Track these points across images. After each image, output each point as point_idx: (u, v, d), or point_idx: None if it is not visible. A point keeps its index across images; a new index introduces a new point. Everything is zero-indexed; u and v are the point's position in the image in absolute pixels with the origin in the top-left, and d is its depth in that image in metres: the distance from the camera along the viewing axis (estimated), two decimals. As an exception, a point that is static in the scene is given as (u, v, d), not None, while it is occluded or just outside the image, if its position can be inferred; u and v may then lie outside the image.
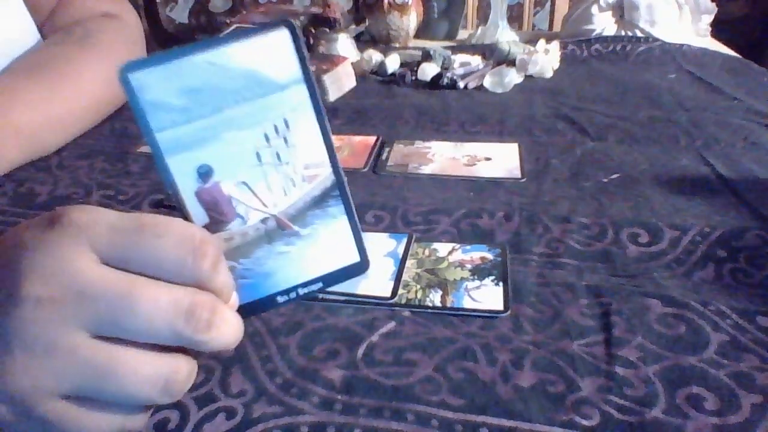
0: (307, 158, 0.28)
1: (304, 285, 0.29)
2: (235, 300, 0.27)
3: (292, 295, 0.29)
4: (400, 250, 0.45)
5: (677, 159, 0.64)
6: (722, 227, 0.48)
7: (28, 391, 0.23)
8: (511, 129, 0.74)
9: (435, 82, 0.92)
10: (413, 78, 0.95)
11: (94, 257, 0.24)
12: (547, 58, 0.98)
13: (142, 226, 0.24)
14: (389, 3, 1.18)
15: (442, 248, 0.46)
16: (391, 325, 0.38)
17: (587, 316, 0.38)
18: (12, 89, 0.60)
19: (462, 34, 1.37)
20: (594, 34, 1.22)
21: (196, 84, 0.25)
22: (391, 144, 0.68)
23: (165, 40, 2.51)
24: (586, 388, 0.33)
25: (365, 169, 0.61)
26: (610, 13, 1.24)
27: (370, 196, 0.55)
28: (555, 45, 1.02)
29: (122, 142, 0.69)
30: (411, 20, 1.21)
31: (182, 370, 0.25)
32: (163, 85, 0.25)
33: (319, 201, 0.29)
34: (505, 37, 1.22)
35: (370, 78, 0.99)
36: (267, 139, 0.27)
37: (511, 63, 0.98)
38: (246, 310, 0.28)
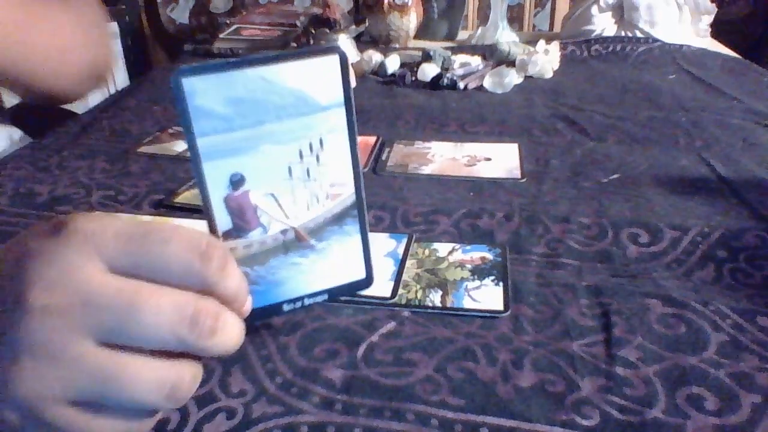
0: (334, 177, 0.29)
1: (311, 296, 0.31)
2: (249, 304, 0.27)
3: (298, 304, 0.30)
4: (400, 250, 0.45)
5: (677, 159, 0.64)
6: (722, 227, 0.48)
7: (35, 397, 0.23)
8: (511, 129, 0.74)
9: (435, 83, 0.92)
10: (413, 78, 0.95)
11: (100, 265, 0.24)
12: (547, 59, 0.98)
13: (148, 233, 0.24)
14: (389, 3, 1.18)
15: (442, 248, 0.46)
16: (391, 325, 0.38)
17: (587, 316, 0.38)
18: None
19: (462, 35, 1.37)
20: (594, 34, 1.22)
21: (243, 95, 0.26)
22: (391, 144, 0.68)
23: (165, 40, 2.51)
24: (586, 388, 0.33)
25: (365, 170, 0.61)
26: (610, 13, 1.25)
27: (370, 196, 0.54)
28: (555, 45, 1.02)
29: (122, 142, 0.69)
30: (411, 21, 1.22)
31: (187, 377, 0.25)
32: (212, 93, 0.25)
33: (338, 218, 0.30)
34: (505, 37, 1.22)
35: (370, 78, 0.99)
36: (301, 155, 0.28)
37: (511, 63, 0.98)
38: (251, 316, 0.28)
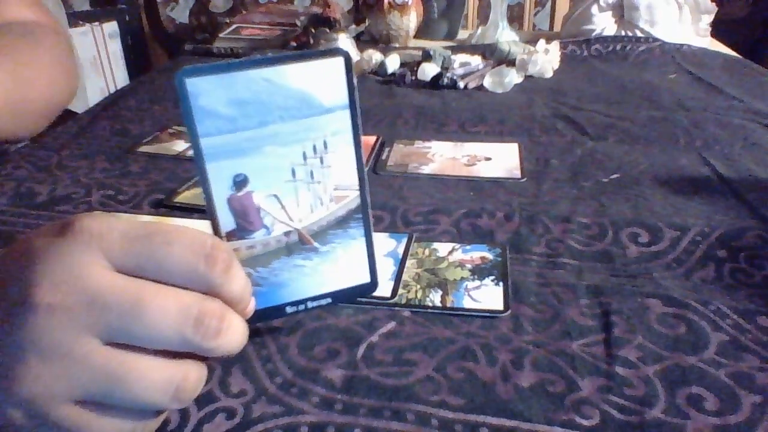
0: (338, 180, 0.29)
1: (314, 299, 0.31)
2: (252, 306, 0.28)
3: (301, 307, 0.31)
4: (400, 250, 0.45)
5: (677, 159, 0.64)
6: (722, 227, 0.48)
7: (41, 396, 0.24)
8: (511, 129, 0.74)
9: (435, 82, 0.92)
10: (413, 78, 0.95)
11: (106, 264, 0.24)
12: (547, 58, 0.98)
13: (154, 234, 0.25)
14: (389, 3, 1.18)
15: (442, 248, 0.46)
16: (391, 325, 0.38)
17: (587, 316, 0.38)
18: None
19: (462, 34, 1.37)
20: (594, 34, 1.22)
21: (247, 97, 0.26)
22: (391, 144, 0.68)
23: (165, 40, 2.51)
24: (586, 388, 0.33)
25: (365, 169, 0.61)
26: (610, 13, 1.24)
27: (370, 196, 0.55)
28: (555, 45, 1.02)
29: (122, 142, 0.69)
30: (411, 20, 1.22)
31: (192, 377, 0.25)
32: (216, 94, 0.26)
33: (342, 222, 0.30)
34: (505, 37, 1.22)
35: (370, 78, 0.99)
36: (304, 157, 0.28)
37: (511, 63, 0.98)
38: (254, 317, 0.28)
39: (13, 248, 0.26)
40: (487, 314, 0.38)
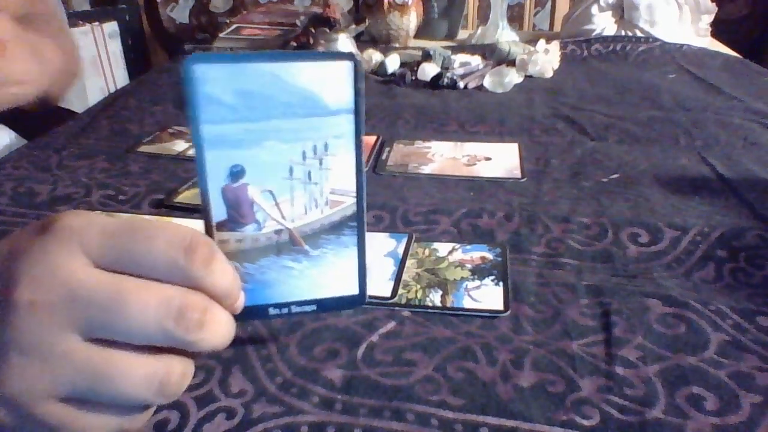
0: (335, 184, 0.29)
1: (299, 304, 0.30)
2: (241, 302, 0.27)
3: (285, 310, 0.30)
4: (400, 250, 0.45)
5: (677, 159, 0.64)
6: (722, 227, 0.48)
7: (24, 394, 0.23)
8: (511, 129, 0.74)
9: (435, 82, 0.92)
10: (413, 78, 0.95)
11: (86, 261, 0.24)
12: (547, 58, 0.98)
13: (134, 229, 0.24)
14: (389, 3, 1.18)
15: (442, 248, 0.46)
16: (391, 325, 0.38)
17: (587, 316, 0.38)
18: None
19: (462, 34, 1.37)
20: (594, 34, 1.22)
21: (253, 89, 0.26)
22: (391, 144, 0.68)
23: (165, 40, 2.51)
24: (586, 388, 0.33)
25: (365, 169, 0.61)
26: (610, 13, 1.25)
27: (370, 196, 0.54)
28: (555, 45, 1.02)
29: (122, 142, 0.69)
30: (411, 20, 1.22)
31: (176, 371, 0.25)
32: (222, 83, 0.26)
33: (336, 227, 0.29)
34: (505, 37, 1.22)
35: (370, 78, 0.99)
36: (304, 156, 0.28)
37: (511, 63, 0.98)
38: (236, 315, 0.28)
39: None
40: (487, 314, 0.38)
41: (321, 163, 0.28)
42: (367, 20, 1.23)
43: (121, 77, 2.16)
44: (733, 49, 1.24)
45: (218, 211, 0.28)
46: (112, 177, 0.60)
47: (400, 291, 0.41)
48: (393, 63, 1.00)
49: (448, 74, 0.92)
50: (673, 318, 0.38)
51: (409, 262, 0.44)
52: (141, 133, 0.72)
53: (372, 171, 0.61)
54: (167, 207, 0.53)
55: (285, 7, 1.41)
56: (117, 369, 0.24)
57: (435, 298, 0.40)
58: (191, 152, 0.66)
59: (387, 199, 0.54)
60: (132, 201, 0.54)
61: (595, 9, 1.24)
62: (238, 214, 0.28)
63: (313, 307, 0.30)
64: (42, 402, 0.24)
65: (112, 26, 2.15)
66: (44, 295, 0.23)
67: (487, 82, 0.91)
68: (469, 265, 0.44)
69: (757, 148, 0.67)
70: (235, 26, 1.28)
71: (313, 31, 1.15)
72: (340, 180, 0.29)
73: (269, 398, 0.32)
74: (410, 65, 0.99)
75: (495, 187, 0.57)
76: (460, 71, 0.96)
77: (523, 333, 0.37)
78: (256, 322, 0.37)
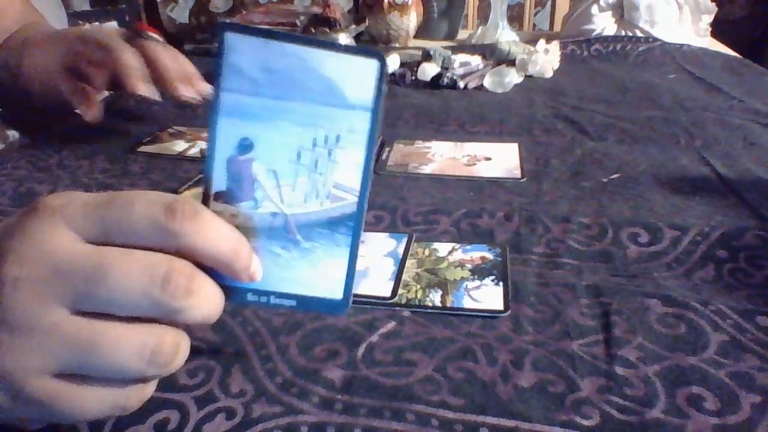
0: (340, 179, 0.29)
1: (279, 296, 0.29)
2: (247, 263, 0.27)
3: (263, 299, 0.29)
4: (400, 250, 0.45)
5: (677, 159, 0.64)
6: (722, 227, 0.48)
7: (15, 371, 0.24)
8: (511, 129, 0.74)
9: (435, 82, 0.92)
10: (413, 78, 0.95)
11: (72, 235, 0.24)
12: (547, 58, 0.98)
13: (115, 198, 0.25)
14: (389, 3, 1.18)
15: (442, 248, 0.46)
16: (391, 325, 0.38)
17: (587, 316, 0.38)
18: None
19: (462, 34, 1.37)
20: (594, 34, 1.23)
21: (278, 67, 0.27)
22: (391, 144, 0.68)
23: (165, 39, 2.50)
24: (586, 388, 0.33)
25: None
26: (610, 13, 1.25)
27: (370, 195, 0.55)
28: (555, 45, 1.02)
29: (122, 142, 0.69)
30: (411, 20, 1.22)
31: (168, 341, 0.25)
32: (249, 55, 0.26)
33: (332, 224, 0.29)
34: (506, 37, 1.22)
35: (370, 78, 0.99)
36: (314, 143, 0.28)
37: (511, 63, 0.98)
38: None
39: None
40: (487, 314, 0.38)
41: (330, 154, 0.28)
42: (367, 20, 1.23)
43: (121, 77, 2.16)
44: (733, 49, 1.24)
45: (219, 182, 0.28)
46: (112, 177, 0.60)
47: (400, 291, 0.41)
48: (393, 63, 1.00)
49: (448, 74, 0.92)
50: (673, 318, 0.38)
51: (409, 262, 0.44)
52: (141, 133, 0.72)
53: (372, 171, 0.61)
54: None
55: (285, 7, 1.41)
56: (106, 340, 0.24)
57: (435, 298, 0.40)
58: (191, 152, 0.66)
59: (387, 199, 0.54)
60: (132, 201, 0.54)
61: (595, 9, 1.24)
62: (237, 188, 0.28)
63: (293, 303, 0.29)
64: (34, 378, 0.24)
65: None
66: (29, 271, 0.23)
67: (487, 82, 0.91)
68: (469, 265, 0.44)
69: (757, 148, 0.67)
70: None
71: (313, 31, 1.15)
72: (345, 176, 0.29)
73: (269, 398, 0.32)
74: (410, 65, 0.99)
75: (495, 187, 0.57)
76: (460, 71, 0.96)
77: (523, 333, 0.37)
78: (257, 322, 0.37)
